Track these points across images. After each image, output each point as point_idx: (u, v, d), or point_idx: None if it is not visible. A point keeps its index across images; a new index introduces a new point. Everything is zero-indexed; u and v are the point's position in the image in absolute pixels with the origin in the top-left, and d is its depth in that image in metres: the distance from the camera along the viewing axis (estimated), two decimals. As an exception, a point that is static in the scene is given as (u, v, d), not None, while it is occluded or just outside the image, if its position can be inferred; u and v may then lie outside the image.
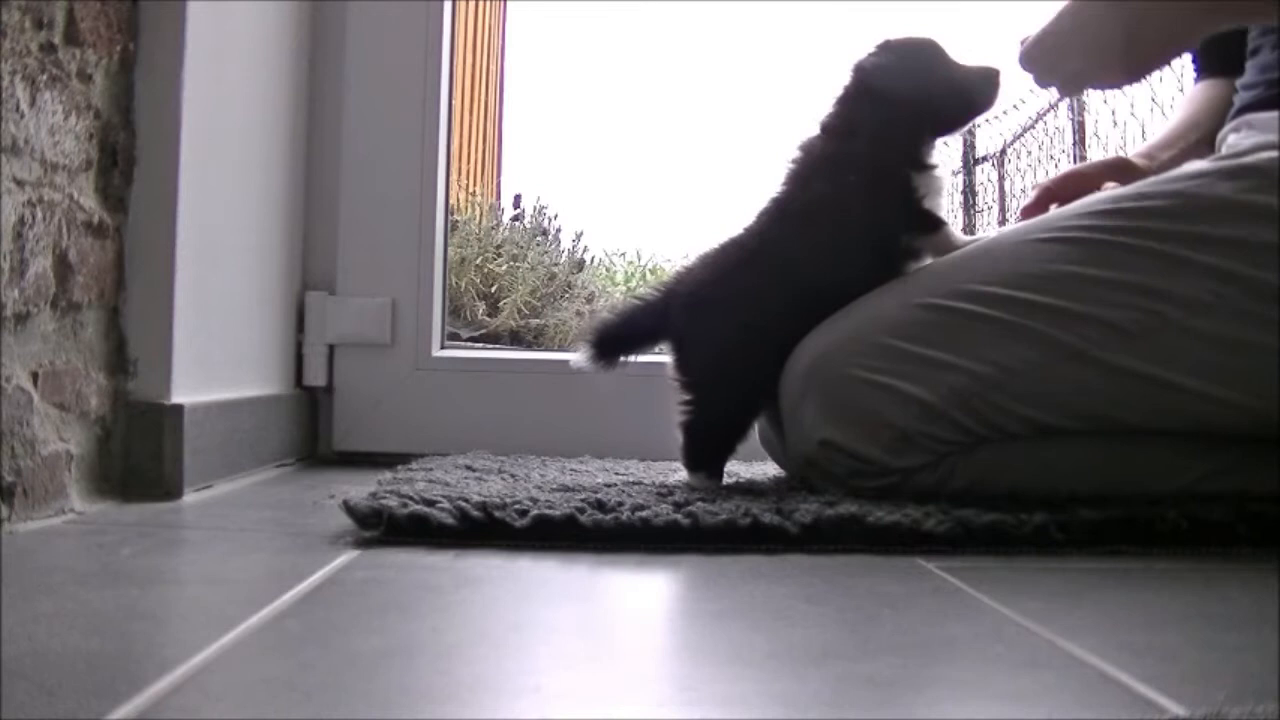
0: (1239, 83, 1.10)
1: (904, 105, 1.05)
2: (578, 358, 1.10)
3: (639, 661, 0.58)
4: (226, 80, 1.18)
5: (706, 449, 1.08)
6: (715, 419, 1.07)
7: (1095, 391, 0.97)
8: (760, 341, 1.06)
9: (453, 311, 3.03)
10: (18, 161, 0.86)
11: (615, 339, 1.10)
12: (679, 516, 0.85)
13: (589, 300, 3.56)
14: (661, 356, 1.11)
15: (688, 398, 1.07)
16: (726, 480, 1.09)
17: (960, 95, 1.07)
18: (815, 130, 1.10)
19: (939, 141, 1.11)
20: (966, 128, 1.14)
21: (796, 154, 1.10)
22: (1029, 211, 1.14)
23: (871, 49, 1.09)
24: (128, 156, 1.03)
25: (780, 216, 1.08)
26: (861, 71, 1.08)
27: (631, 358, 1.12)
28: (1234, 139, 1.05)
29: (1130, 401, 0.97)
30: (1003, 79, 1.06)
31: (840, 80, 1.09)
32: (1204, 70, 1.25)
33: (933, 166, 1.07)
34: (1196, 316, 0.94)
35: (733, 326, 1.06)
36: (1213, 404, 0.95)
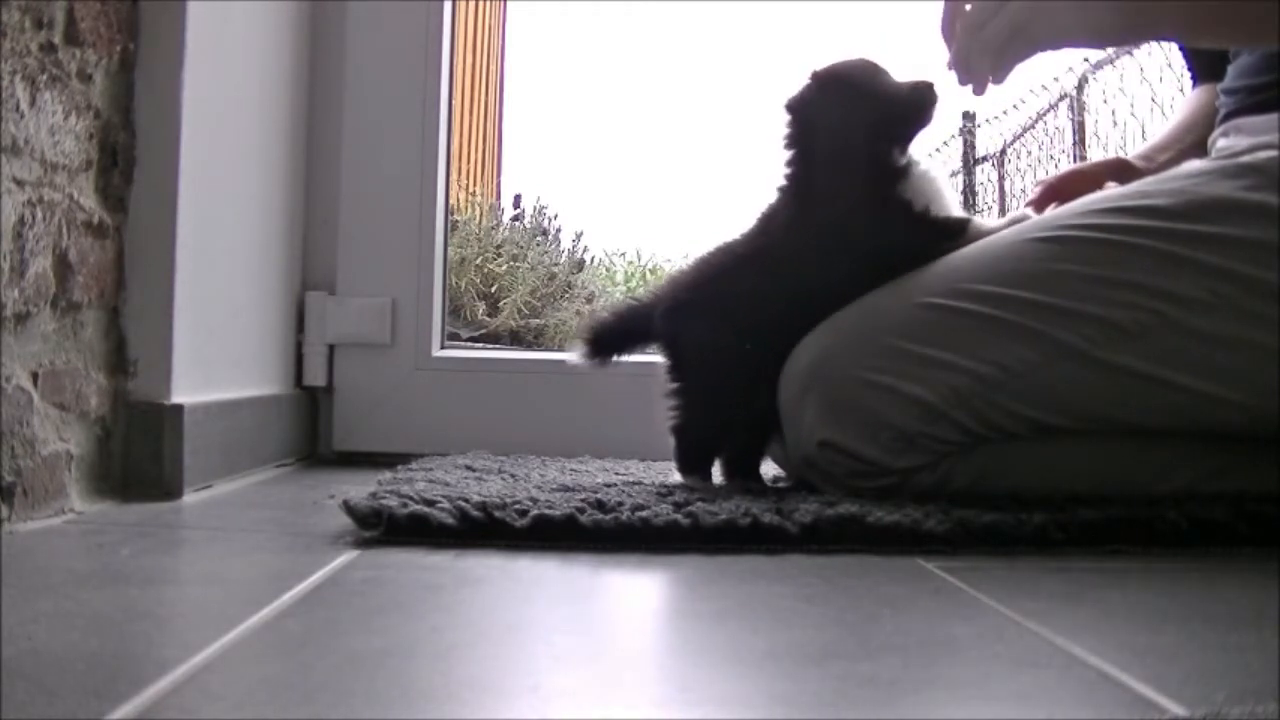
0: (1220, 87, 1.09)
1: (849, 132, 1.03)
2: (573, 355, 1.12)
3: (638, 661, 0.58)
4: (226, 80, 1.18)
5: (697, 452, 1.08)
6: (704, 422, 1.07)
7: (1095, 391, 0.97)
8: (749, 346, 1.05)
9: (453, 311, 3.03)
10: (18, 161, 0.86)
11: (609, 338, 1.12)
12: (679, 516, 0.85)
13: (589, 300, 3.57)
14: (659, 357, 1.11)
15: (676, 401, 1.07)
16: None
17: (898, 110, 1.05)
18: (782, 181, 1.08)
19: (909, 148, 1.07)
20: (912, 140, 1.09)
21: (781, 184, 1.08)
22: (1034, 207, 1.14)
23: (803, 83, 1.07)
24: (128, 156, 1.03)
25: (774, 226, 1.07)
26: (795, 110, 1.07)
27: (625, 357, 1.13)
28: (1224, 143, 1.05)
29: (1130, 401, 0.97)
30: (937, 91, 1.04)
31: (782, 123, 1.08)
32: (1200, 76, 1.26)
33: (912, 167, 1.05)
34: (1196, 315, 0.94)
35: (720, 331, 1.05)
36: (1213, 403, 0.95)
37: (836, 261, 1.04)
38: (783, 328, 1.05)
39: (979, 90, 0.99)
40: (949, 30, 0.99)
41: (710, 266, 1.08)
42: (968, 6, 0.97)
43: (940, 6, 1.00)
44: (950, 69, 1.00)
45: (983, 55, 0.96)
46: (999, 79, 0.98)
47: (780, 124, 1.08)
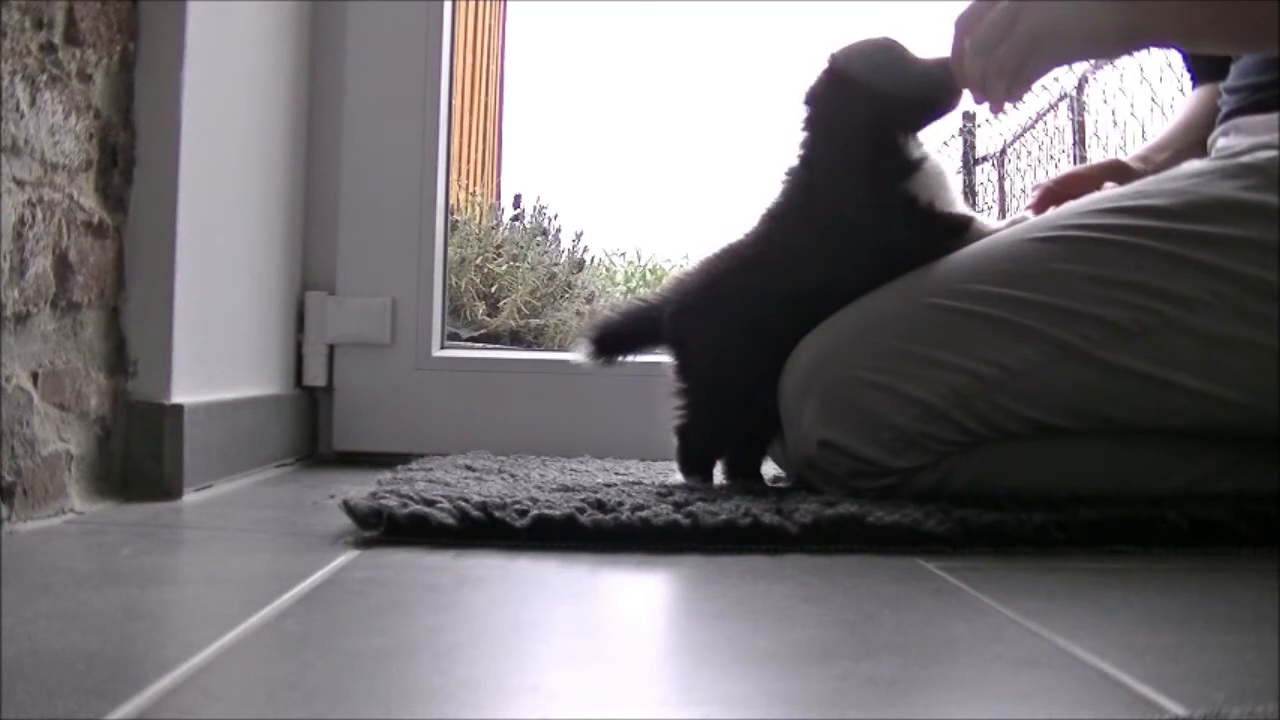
0: (1223, 86, 1.10)
1: (852, 129, 1.03)
2: (577, 354, 1.12)
3: (639, 661, 0.58)
4: (226, 80, 1.18)
5: (700, 453, 1.08)
6: (709, 423, 1.07)
7: (1095, 391, 0.97)
8: (755, 348, 1.05)
9: (453, 311, 3.03)
10: (18, 161, 0.86)
11: (614, 338, 1.11)
12: (679, 516, 0.85)
13: (589, 300, 3.57)
14: (660, 357, 1.11)
15: (682, 402, 1.07)
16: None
17: (918, 94, 1.03)
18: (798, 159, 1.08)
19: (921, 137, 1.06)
20: (934, 123, 1.09)
21: (785, 177, 1.08)
22: (1032, 211, 1.14)
23: (820, 68, 1.06)
24: (128, 156, 1.03)
25: (779, 226, 1.07)
26: (807, 100, 1.06)
27: (630, 357, 1.13)
28: (1224, 143, 1.05)
29: (1130, 401, 0.97)
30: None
31: (799, 109, 1.07)
32: (1200, 77, 1.26)
33: (921, 161, 1.03)
34: (1196, 315, 0.94)
35: (727, 332, 1.05)
36: (1212, 403, 0.95)
37: (840, 260, 1.04)
38: (787, 328, 1.05)
39: (996, 110, 1.00)
40: (959, 53, 0.99)
41: (716, 268, 1.08)
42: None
43: (949, 15, 1.00)
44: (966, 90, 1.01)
45: (999, 76, 0.96)
46: (1016, 97, 0.98)
47: (798, 111, 1.08)
